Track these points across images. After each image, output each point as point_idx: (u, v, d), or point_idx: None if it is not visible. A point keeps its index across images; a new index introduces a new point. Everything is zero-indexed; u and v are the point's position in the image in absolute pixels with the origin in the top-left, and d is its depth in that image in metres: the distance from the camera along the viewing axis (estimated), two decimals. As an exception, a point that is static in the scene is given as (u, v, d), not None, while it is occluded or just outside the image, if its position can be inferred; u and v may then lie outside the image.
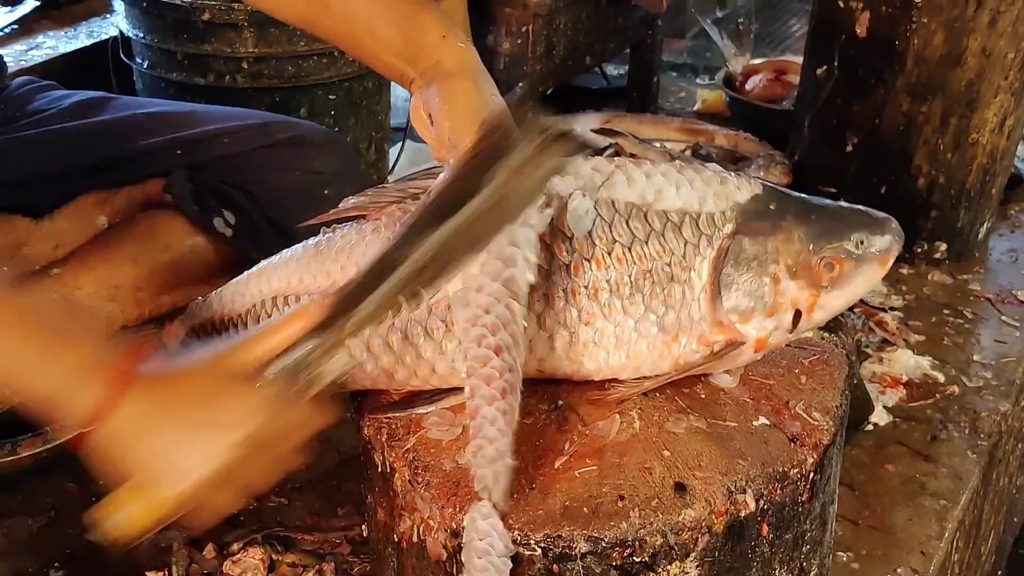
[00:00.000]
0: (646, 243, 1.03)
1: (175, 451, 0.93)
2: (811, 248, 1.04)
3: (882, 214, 1.09)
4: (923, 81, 2.08)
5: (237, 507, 0.99)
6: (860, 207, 1.10)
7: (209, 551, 1.44)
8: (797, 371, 1.13)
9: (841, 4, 2.12)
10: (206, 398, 0.95)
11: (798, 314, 1.05)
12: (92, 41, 2.19)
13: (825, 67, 2.20)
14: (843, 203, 1.11)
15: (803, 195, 1.09)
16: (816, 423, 1.06)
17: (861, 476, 1.63)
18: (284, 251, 1.13)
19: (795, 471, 1.01)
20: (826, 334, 1.22)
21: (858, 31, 2.11)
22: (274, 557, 1.43)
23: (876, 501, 1.58)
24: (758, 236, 1.04)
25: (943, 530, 1.54)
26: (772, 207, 1.06)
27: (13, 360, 0.92)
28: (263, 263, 1.15)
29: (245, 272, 1.16)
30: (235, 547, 1.44)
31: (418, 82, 1.13)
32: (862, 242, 1.05)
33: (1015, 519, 2.33)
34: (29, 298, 0.95)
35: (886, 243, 1.05)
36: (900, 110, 2.12)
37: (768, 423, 1.05)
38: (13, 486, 1.53)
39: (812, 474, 1.03)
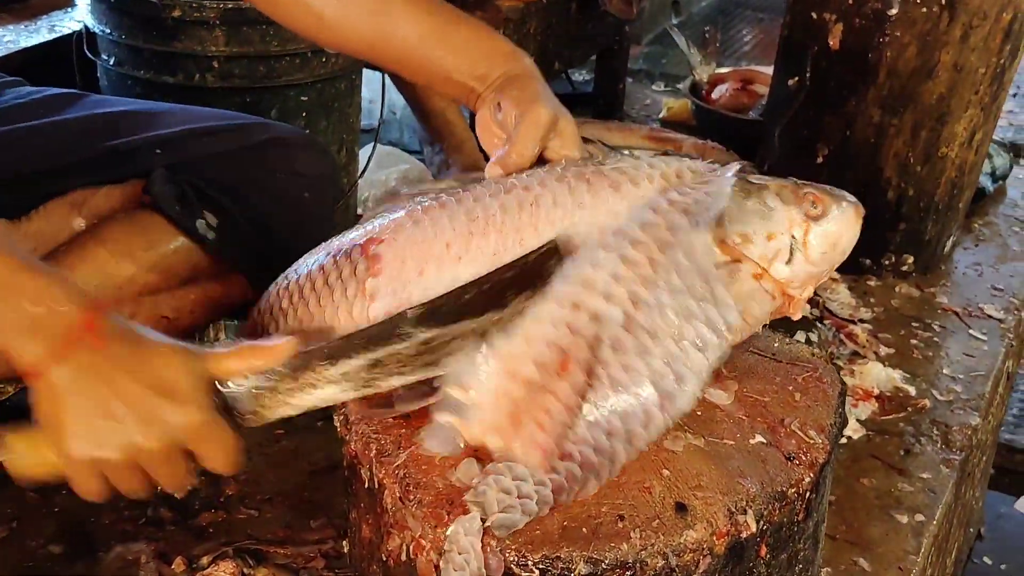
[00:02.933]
0: None
1: (98, 421, 0.95)
2: (795, 183, 1.10)
3: None
4: (895, 94, 2.09)
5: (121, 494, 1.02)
6: None
7: (179, 564, 1.39)
8: (791, 388, 1.12)
9: (814, 16, 2.12)
10: (155, 382, 0.96)
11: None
12: (54, 36, 2.12)
13: (797, 78, 2.20)
14: None
15: None
16: (812, 441, 1.05)
17: (838, 490, 1.62)
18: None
19: (793, 490, 1.00)
20: (816, 350, 1.22)
21: (831, 43, 2.11)
22: (245, 571, 1.39)
23: (853, 516, 1.58)
24: (750, 174, 1.11)
25: (919, 545, 1.54)
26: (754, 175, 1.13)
27: None
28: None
29: None
30: (205, 560, 1.39)
31: (487, 93, 1.22)
32: (836, 190, 1.12)
33: (971, 529, 2.36)
34: None
35: (853, 198, 1.12)
36: (871, 122, 2.12)
37: (764, 441, 1.04)
38: (-28, 498, 1.47)
39: (808, 493, 1.02)
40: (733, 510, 0.95)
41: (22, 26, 2.18)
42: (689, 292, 0.99)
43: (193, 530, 1.46)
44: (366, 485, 1.04)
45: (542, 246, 1.05)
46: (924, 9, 2.01)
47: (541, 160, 1.19)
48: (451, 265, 1.08)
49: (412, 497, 0.98)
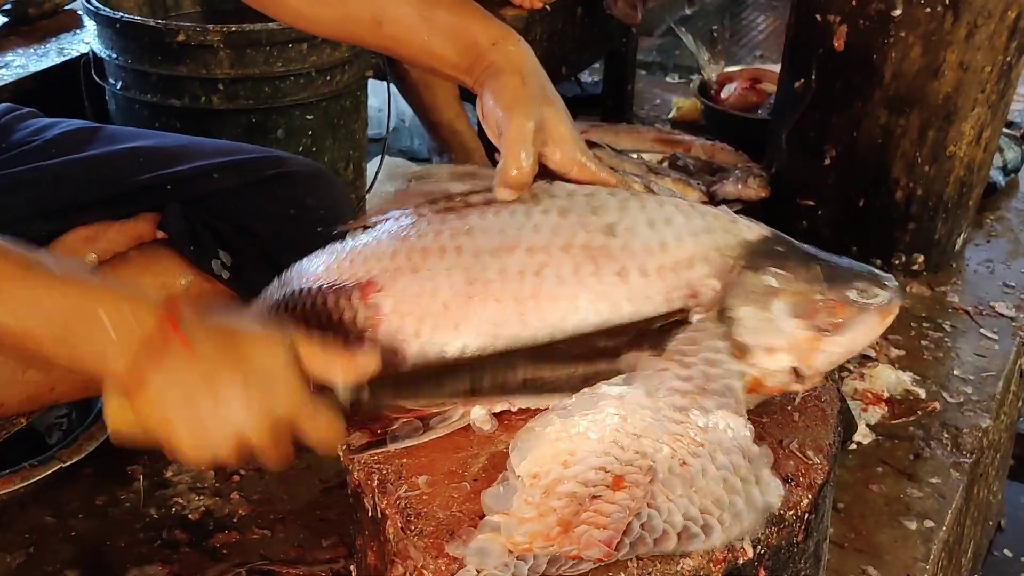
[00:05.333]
0: None
1: (206, 424, 0.95)
2: (814, 289, 1.03)
3: (886, 274, 1.08)
4: (901, 94, 2.08)
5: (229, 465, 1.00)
6: (865, 265, 1.09)
7: (193, 586, 1.42)
8: (790, 408, 1.12)
9: (818, 18, 2.12)
10: (251, 370, 0.96)
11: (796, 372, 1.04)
12: (63, 59, 2.14)
13: (803, 80, 2.20)
14: (848, 258, 1.09)
15: (810, 246, 1.09)
16: (810, 462, 1.05)
17: (847, 497, 1.63)
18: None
19: (791, 513, 1.00)
20: (816, 367, 1.22)
21: (835, 44, 2.11)
22: (257, 592, 1.41)
23: (861, 523, 1.58)
24: (762, 271, 1.04)
25: (928, 551, 1.54)
26: (779, 248, 1.06)
27: (54, 326, 0.93)
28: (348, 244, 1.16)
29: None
30: (218, 582, 1.42)
31: (476, 89, 1.18)
32: (865, 291, 1.04)
33: (990, 522, 2.35)
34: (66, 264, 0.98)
35: (887, 296, 1.04)
36: (878, 123, 2.12)
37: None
38: (-9, 522, 1.50)
39: (807, 514, 1.02)
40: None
41: (31, 50, 2.20)
42: (733, 470, 0.95)
43: (207, 551, 1.49)
44: (369, 514, 1.06)
45: (669, 313, 1.03)
46: (928, 9, 2.01)
47: (545, 171, 1.15)
48: (449, 331, 1.07)
49: (413, 528, 0.99)
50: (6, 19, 2.28)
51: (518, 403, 1.08)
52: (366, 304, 1.10)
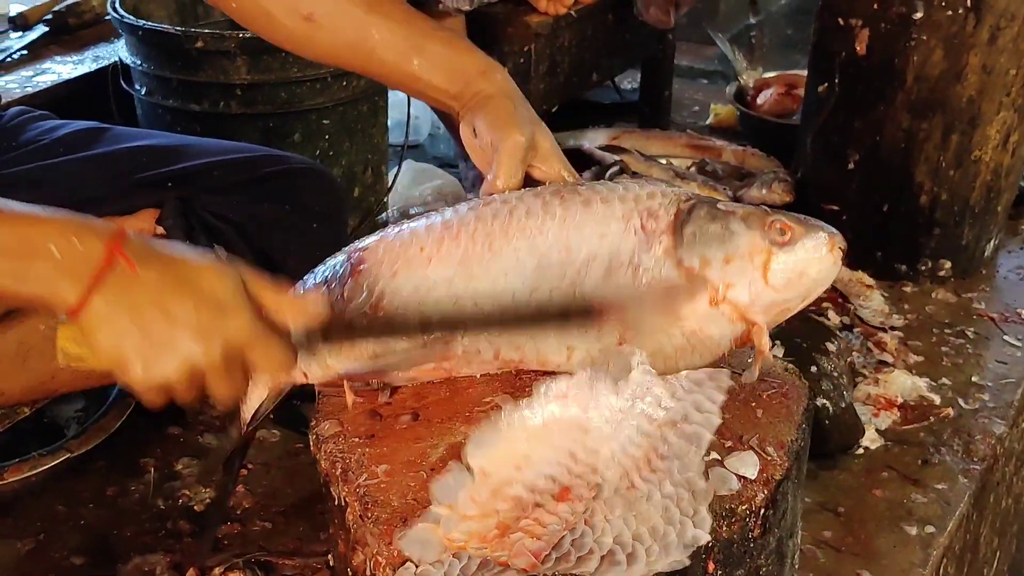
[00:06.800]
0: None
1: (153, 345, 0.96)
2: (765, 210, 1.11)
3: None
4: (923, 98, 2.06)
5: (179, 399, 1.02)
6: None
7: (191, 575, 1.46)
8: (754, 404, 1.13)
9: (841, 21, 2.11)
10: (200, 295, 0.98)
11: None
12: (96, 67, 2.22)
13: (826, 84, 2.18)
14: None
15: None
16: (769, 458, 1.06)
17: (848, 501, 1.62)
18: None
19: (744, 507, 1.01)
20: (790, 366, 1.22)
21: (858, 48, 2.10)
22: (253, 581, 1.45)
23: (861, 527, 1.57)
24: (714, 203, 1.12)
25: (927, 557, 1.52)
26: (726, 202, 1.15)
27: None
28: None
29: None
30: (216, 572, 1.45)
31: (463, 112, 1.26)
32: (814, 221, 1.11)
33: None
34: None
35: (832, 232, 1.10)
36: (901, 127, 2.10)
37: (717, 458, 1.04)
38: (1, 510, 1.55)
39: (763, 509, 1.03)
40: (674, 528, 0.97)
41: (69, 58, 2.28)
42: (676, 501, 0.98)
43: (191, 555, 1.52)
44: (336, 503, 1.08)
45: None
46: (949, 12, 1.99)
47: (529, 180, 1.23)
48: (421, 266, 1.13)
49: (371, 514, 1.02)
50: (47, 28, 2.36)
51: (468, 343, 1.12)
52: (351, 262, 1.17)
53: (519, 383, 1.14)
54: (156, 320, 0.96)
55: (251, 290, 1.02)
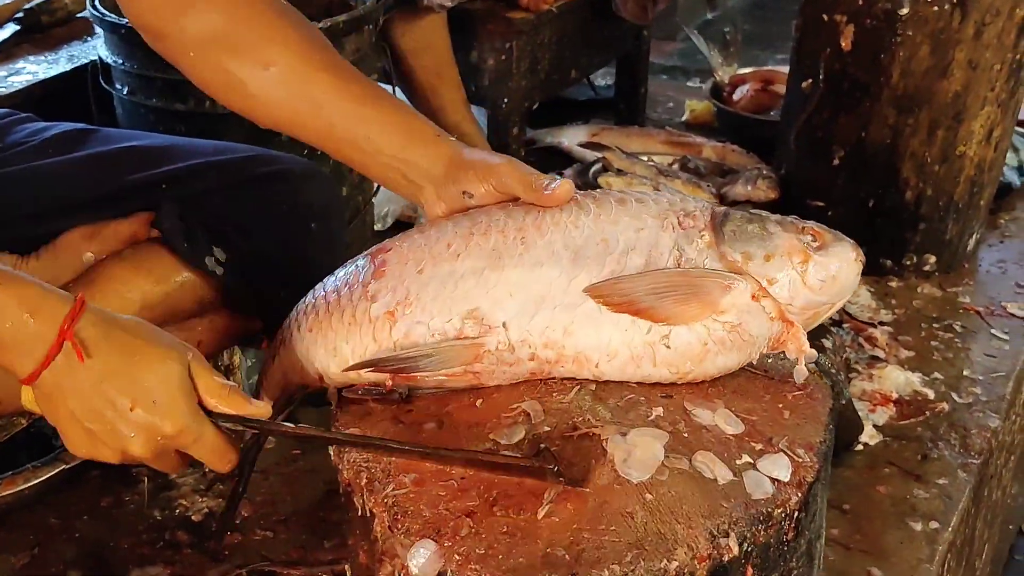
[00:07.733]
0: None
1: (90, 427, 1.02)
2: (794, 221, 1.15)
3: None
4: (909, 93, 2.07)
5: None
6: None
7: (195, 587, 1.43)
8: (780, 406, 1.12)
9: (825, 17, 2.11)
10: (139, 392, 1.01)
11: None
12: (72, 66, 2.16)
13: (810, 80, 2.19)
14: None
15: None
16: (800, 460, 1.05)
17: (853, 498, 1.62)
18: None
19: (779, 511, 1.00)
20: (811, 364, 1.21)
21: (843, 44, 2.10)
22: (258, 593, 1.42)
23: (867, 524, 1.57)
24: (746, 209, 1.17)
25: (934, 553, 1.53)
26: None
27: None
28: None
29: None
30: (219, 583, 1.43)
31: (440, 190, 1.20)
32: (836, 232, 1.15)
33: (1011, 527, 2.32)
34: None
35: (853, 242, 1.14)
36: (886, 123, 2.11)
37: (751, 462, 1.03)
38: (-6, 524, 1.51)
39: (797, 512, 1.02)
40: (715, 533, 0.95)
41: (43, 57, 2.22)
42: None
43: (209, 552, 1.49)
44: (359, 513, 1.06)
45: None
46: (935, 8, 2.00)
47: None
48: (448, 260, 1.12)
49: (400, 526, 0.99)
50: (19, 27, 2.30)
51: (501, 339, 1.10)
52: (374, 263, 1.16)
53: (545, 389, 1.12)
54: (95, 410, 1.02)
55: (195, 378, 1.05)
